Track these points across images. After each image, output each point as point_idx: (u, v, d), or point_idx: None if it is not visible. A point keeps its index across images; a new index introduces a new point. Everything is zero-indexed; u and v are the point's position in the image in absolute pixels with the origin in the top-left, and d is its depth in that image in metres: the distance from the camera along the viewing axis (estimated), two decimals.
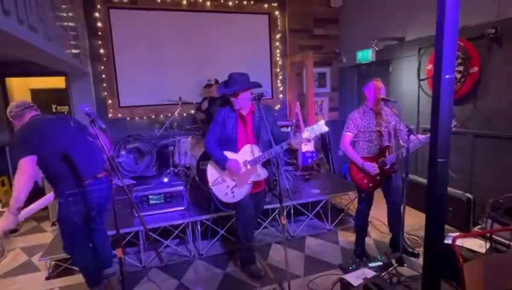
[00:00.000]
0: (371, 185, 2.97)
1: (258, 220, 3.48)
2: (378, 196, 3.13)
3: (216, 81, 4.78)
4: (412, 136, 2.72)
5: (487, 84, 3.46)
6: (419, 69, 4.23)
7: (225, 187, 2.85)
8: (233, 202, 2.87)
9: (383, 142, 2.96)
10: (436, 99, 1.75)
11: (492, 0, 3.31)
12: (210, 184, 2.88)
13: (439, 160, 1.79)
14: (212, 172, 2.90)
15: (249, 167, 2.81)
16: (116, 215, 2.00)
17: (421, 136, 2.81)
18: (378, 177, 2.95)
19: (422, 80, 4.20)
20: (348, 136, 3.01)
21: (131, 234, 3.16)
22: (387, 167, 2.90)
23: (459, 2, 1.64)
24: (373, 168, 2.90)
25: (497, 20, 3.27)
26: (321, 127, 2.58)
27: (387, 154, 2.92)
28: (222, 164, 2.79)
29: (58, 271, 3.13)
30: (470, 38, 3.51)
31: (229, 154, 2.82)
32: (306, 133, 2.60)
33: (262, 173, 2.86)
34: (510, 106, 3.26)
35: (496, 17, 3.28)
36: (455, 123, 2.78)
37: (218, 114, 2.88)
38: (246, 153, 2.83)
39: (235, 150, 2.84)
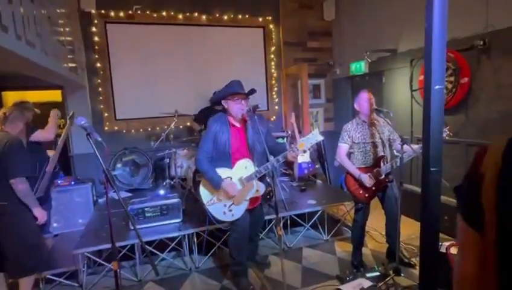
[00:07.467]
0: (366, 195, 2.99)
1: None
2: (375, 205, 3.14)
3: None
4: (405, 146, 2.76)
5: (477, 94, 3.53)
6: (411, 80, 4.30)
7: (222, 206, 2.74)
8: (233, 220, 2.76)
9: (378, 152, 2.99)
10: (427, 110, 1.80)
11: (480, 13, 3.40)
12: (205, 204, 2.76)
13: (431, 169, 1.82)
14: (205, 191, 2.77)
15: (245, 183, 2.71)
16: (111, 228, 1.99)
17: (414, 146, 2.86)
18: (373, 188, 2.97)
19: (415, 90, 4.27)
20: (343, 147, 3.04)
21: (127, 247, 3.13)
22: (382, 177, 2.93)
23: (445, 15, 1.71)
24: (368, 179, 2.92)
25: (485, 33, 3.36)
26: (315, 136, 2.50)
27: (382, 164, 2.94)
28: (217, 184, 2.66)
29: (49, 289, 3.07)
30: (459, 50, 3.59)
31: (222, 171, 2.69)
32: (301, 144, 2.52)
33: (260, 188, 2.75)
34: (500, 116, 3.32)
35: (484, 30, 3.37)
36: (448, 132, 2.83)
37: (209, 128, 2.73)
38: (240, 169, 2.72)
39: (229, 165, 2.73)
